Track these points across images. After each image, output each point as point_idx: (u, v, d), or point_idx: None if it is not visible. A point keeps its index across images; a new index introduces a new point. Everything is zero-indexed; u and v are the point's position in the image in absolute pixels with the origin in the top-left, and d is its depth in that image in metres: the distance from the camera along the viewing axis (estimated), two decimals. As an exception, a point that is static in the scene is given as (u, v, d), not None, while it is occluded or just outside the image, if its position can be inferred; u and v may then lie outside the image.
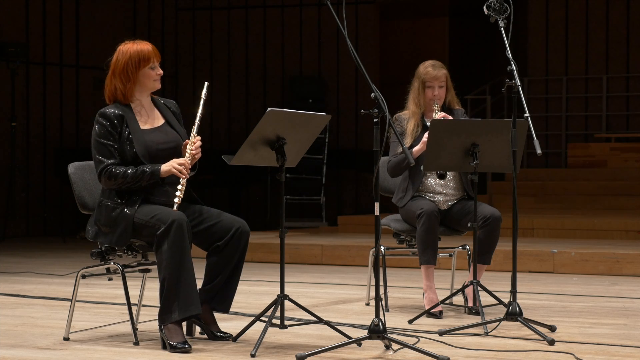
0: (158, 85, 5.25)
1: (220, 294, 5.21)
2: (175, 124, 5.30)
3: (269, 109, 5.01)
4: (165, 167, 5.07)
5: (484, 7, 5.53)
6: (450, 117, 6.14)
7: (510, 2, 5.54)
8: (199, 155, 5.16)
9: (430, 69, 6.24)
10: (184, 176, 5.07)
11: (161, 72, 5.24)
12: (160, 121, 5.27)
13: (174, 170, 5.06)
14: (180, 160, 5.09)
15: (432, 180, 6.27)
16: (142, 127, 5.18)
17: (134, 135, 5.12)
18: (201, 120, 5.17)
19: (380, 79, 15.14)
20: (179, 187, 5.07)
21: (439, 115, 6.11)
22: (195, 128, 5.15)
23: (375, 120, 4.82)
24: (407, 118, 6.29)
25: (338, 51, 15.22)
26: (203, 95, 5.21)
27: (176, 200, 5.04)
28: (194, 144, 5.14)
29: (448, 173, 6.25)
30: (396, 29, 17.02)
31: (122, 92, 5.18)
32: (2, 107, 13.36)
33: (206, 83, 5.24)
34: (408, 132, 6.23)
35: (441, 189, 6.26)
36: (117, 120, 5.12)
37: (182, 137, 5.27)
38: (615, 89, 14.92)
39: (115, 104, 5.19)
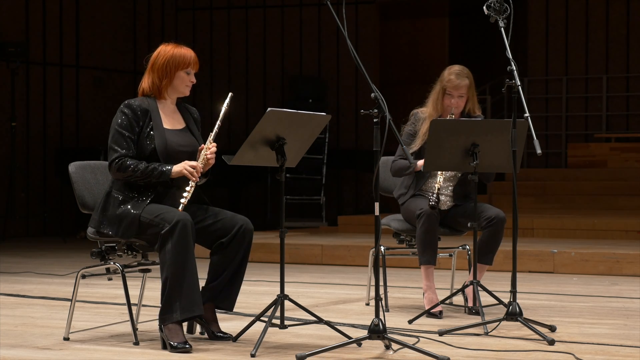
0: (187, 92, 5.29)
1: (225, 291, 5.21)
2: (194, 131, 5.33)
3: (269, 109, 5.01)
4: (176, 167, 5.08)
5: (484, 7, 5.53)
6: None
7: (510, 2, 5.54)
8: (213, 161, 5.18)
9: (454, 77, 6.16)
10: (194, 179, 5.07)
11: (194, 80, 5.28)
12: (182, 124, 5.31)
13: (185, 172, 5.07)
14: (193, 163, 5.10)
15: (437, 179, 6.25)
16: (164, 126, 5.20)
17: (156, 131, 5.14)
18: (220, 128, 5.16)
19: (380, 79, 15.15)
20: (187, 188, 5.07)
21: None
22: (212, 135, 5.16)
23: (375, 120, 4.82)
24: (424, 118, 6.25)
25: (338, 51, 15.22)
26: (225, 105, 5.20)
27: (182, 201, 5.04)
28: (209, 149, 5.14)
29: (451, 173, 6.24)
30: (396, 29, 17.02)
31: (157, 87, 5.23)
32: (2, 107, 13.36)
33: (230, 94, 5.24)
34: (420, 134, 6.21)
35: (444, 190, 6.26)
36: (141, 114, 5.15)
37: (197, 139, 5.29)
38: (615, 89, 14.92)
39: (142, 98, 5.22)
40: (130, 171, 5.06)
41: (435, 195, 6.07)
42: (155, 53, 5.27)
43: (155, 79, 5.23)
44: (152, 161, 5.12)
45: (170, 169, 5.08)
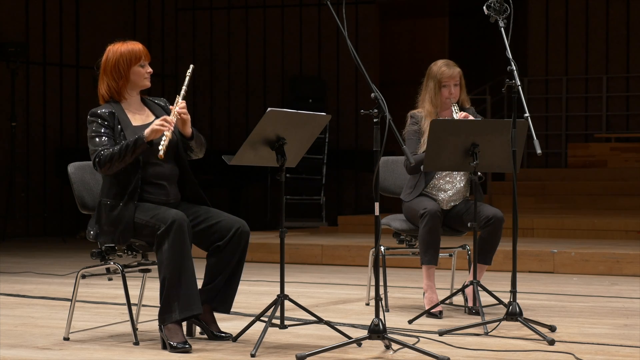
0: (148, 84, 5.26)
1: (221, 294, 5.21)
2: None
3: (269, 109, 5.01)
4: (147, 130, 5.03)
5: (484, 7, 5.53)
6: (471, 117, 6.11)
7: (510, 2, 5.54)
8: (187, 116, 5.13)
9: (445, 69, 6.21)
10: (166, 129, 5.02)
11: (151, 70, 5.26)
12: (150, 118, 5.27)
13: (155, 127, 5.01)
14: (161, 118, 5.06)
15: (441, 178, 6.26)
16: (133, 123, 5.18)
17: (126, 131, 5.12)
18: (187, 92, 5.15)
19: (380, 79, 15.14)
20: (163, 138, 5.00)
21: (459, 115, 6.09)
22: (180, 96, 5.11)
23: (375, 120, 4.82)
24: (423, 116, 6.26)
25: (338, 51, 15.22)
26: (188, 74, 5.18)
27: (160, 147, 4.98)
28: (177, 104, 5.10)
29: (457, 173, 6.24)
30: (396, 29, 17.02)
31: (115, 90, 5.20)
32: (2, 107, 13.36)
33: (192, 65, 5.22)
34: (425, 131, 6.21)
35: (449, 187, 6.25)
36: (109, 116, 5.14)
37: (174, 132, 5.26)
38: (615, 89, 14.92)
39: (105, 104, 5.20)
40: (109, 157, 5.01)
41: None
42: (104, 56, 5.24)
43: (111, 82, 5.20)
44: (134, 161, 5.10)
45: (142, 134, 5.02)
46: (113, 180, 5.13)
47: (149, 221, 5.00)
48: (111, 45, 5.27)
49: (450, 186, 6.27)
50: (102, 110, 5.16)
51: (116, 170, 5.07)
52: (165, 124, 5.03)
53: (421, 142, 6.19)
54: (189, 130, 5.19)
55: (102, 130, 5.10)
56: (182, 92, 5.15)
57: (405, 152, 4.94)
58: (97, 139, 5.09)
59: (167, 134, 5.02)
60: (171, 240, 4.92)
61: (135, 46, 5.24)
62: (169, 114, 5.32)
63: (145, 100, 5.34)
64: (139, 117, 5.24)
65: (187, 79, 5.20)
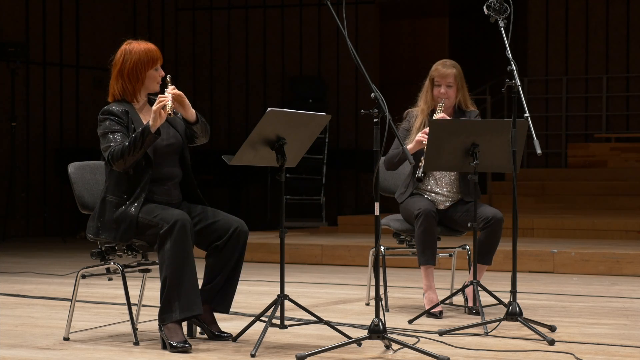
0: (158, 88, 5.26)
1: (221, 294, 5.21)
2: (171, 121, 5.27)
3: (269, 109, 5.01)
4: (150, 121, 4.98)
5: (484, 7, 5.53)
6: (448, 118, 6.12)
7: (510, 2, 5.54)
8: (182, 94, 5.09)
9: (440, 67, 6.24)
10: (164, 101, 4.97)
11: (163, 73, 5.26)
12: None
13: (155, 108, 4.97)
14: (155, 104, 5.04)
15: (432, 179, 6.27)
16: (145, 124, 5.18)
17: None
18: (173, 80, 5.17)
19: (380, 79, 15.14)
20: (167, 107, 4.98)
21: (439, 115, 6.10)
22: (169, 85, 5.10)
23: (375, 120, 4.82)
24: (416, 115, 6.29)
25: (338, 51, 15.22)
26: (168, 79, 5.16)
27: (168, 104, 4.97)
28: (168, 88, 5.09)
29: (448, 174, 6.25)
30: (396, 29, 17.02)
31: (130, 92, 5.19)
32: (2, 107, 13.36)
33: (169, 76, 5.20)
34: (414, 129, 6.24)
35: (440, 189, 6.26)
36: (124, 115, 5.12)
37: (180, 133, 5.26)
38: (615, 89, 14.92)
39: (117, 103, 5.19)
40: (120, 152, 4.99)
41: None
42: (120, 57, 5.20)
43: (126, 84, 5.18)
44: (142, 159, 5.09)
45: (147, 125, 4.98)
46: (122, 178, 5.11)
47: (151, 220, 4.99)
48: (126, 44, 5.23)
49: (442, 187, 6.27)
50: (116, 108, 5.14)
51: (130, 164, 5.03)
52: (161, 99, 4.99)
53: (406, 141, 6.19)
54: (191, 112, 5.16)
55: (116, 127, 5.09)
56: (169, 83, 5.12)
57: (406, 153, 4.93)
58: (110, 135, 5.08)
59: (168, 103, 4.99)
60: (173, 240, 4.92)
61: (152, 48, 5.21)
62: (176, 115, 5.32)
63: (152, 101, 5.34)
64: (148, 117, 5.23)
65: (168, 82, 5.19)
